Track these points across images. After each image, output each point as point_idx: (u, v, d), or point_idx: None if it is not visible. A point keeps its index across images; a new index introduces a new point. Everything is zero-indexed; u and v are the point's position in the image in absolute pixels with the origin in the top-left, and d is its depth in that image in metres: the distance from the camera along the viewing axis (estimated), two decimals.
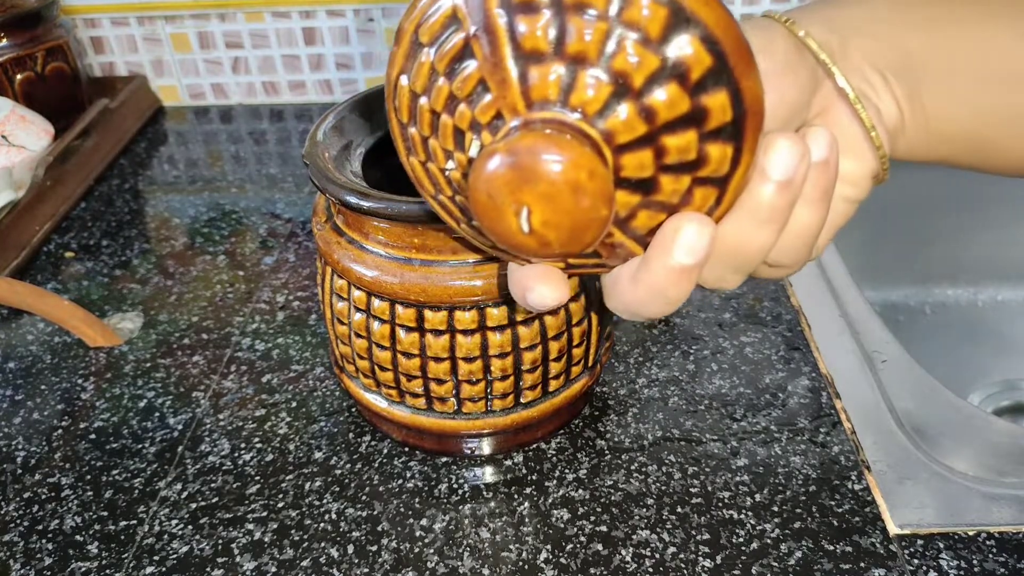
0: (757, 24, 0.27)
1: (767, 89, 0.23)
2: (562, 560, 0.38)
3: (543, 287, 0.27)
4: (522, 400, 0.40)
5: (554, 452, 0.44)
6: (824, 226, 0.27)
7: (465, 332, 0.37)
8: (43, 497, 0.42)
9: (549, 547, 0.39)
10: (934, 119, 0.29)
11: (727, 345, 0.51)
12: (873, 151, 0.28)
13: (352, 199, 0.34)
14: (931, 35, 0.28)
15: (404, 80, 0.24)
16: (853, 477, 0.42)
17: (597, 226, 0.23)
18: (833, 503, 0.40)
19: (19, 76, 0.70)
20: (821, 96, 0.28)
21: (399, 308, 0.37)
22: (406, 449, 0.44)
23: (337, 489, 0.42)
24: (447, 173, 0.25)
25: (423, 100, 0.24)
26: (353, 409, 0.47)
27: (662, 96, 0.21)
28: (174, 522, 0.41)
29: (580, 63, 0.21)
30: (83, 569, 0.39)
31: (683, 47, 0.21)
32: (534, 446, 0.44)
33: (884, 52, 0.28)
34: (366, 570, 0.38)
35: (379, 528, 0.40)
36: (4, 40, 0.69)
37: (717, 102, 0.22)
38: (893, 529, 0.39)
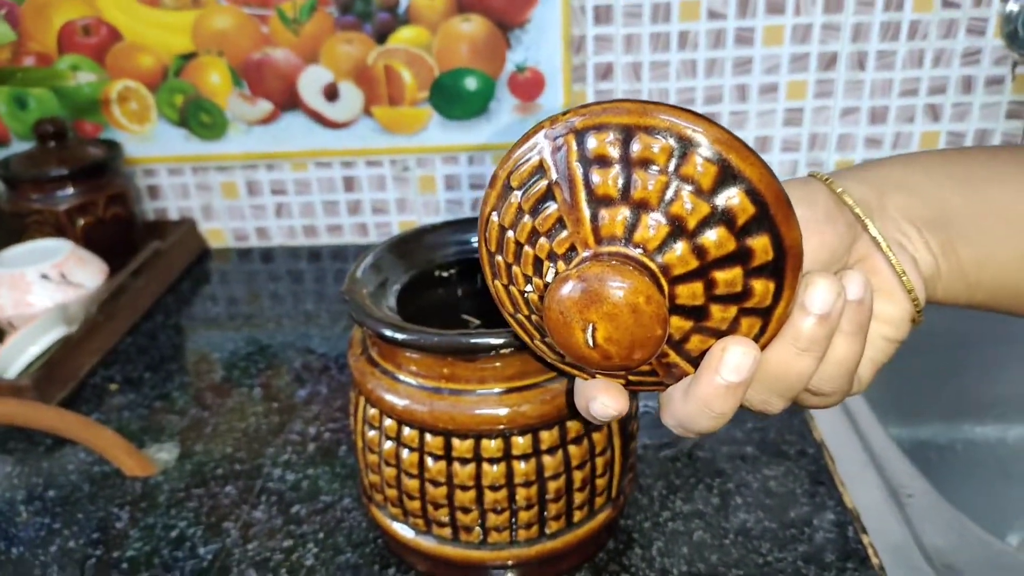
0: (801, 181, 0.31)
1: (808, 235, 0.27)
2: None
3: (605, 397, 0.30)
4: (547, 530, 0.41)
5: None
6: (864, 360, 0.29)
7: (491, 460, 0.38)
8: None
9: None
10: (970, 268, 0.31)
11: (751, 479, 0.51)
12: (906, 295, 0.31)
13: (387, 332, 0.36)
14: (965, 192, 0.31)
15: (495, 216, 0.29)
16: None
17: (652, 344, 0.26)
18: None
19: (81, 220, 0.75)
20: (861, 245, 0.31)
21: (428, 436, 0.38)
22: None
23: None
24: (526, 295, 0.29)
25: (510, 233, 0.28)
26: (379, 540, 0.47)
27: (712, 237, 0.25)
28: None
29: (643, 208, 0.25)
30: None
31: (731, 198, 0.25)
32: None
33: (919, 207, 0.31)
34: None
35: None
36: (71, 188, 0.75)
37: (760, 244, 0.25)
38: None
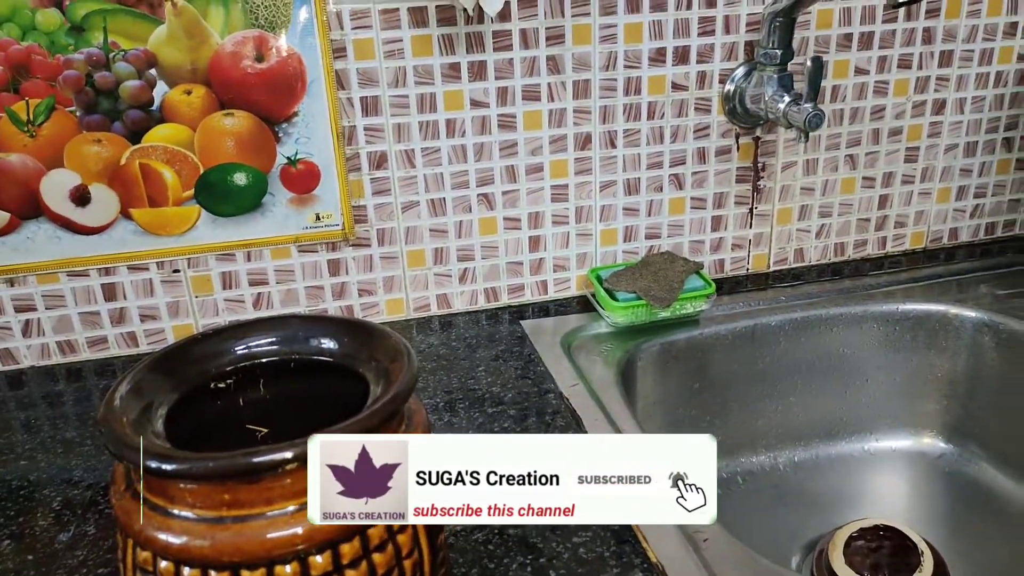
0: None
1: None
2: None
3: None
4: None
5: None
6: None
7: None
8: None
9: None
10: None
11: (561, 549, 0.51)
12: None
13: (152, 463, 0.32)
14: None
15: None
16: None
17: None
18: None
19: None
20: None
21: (212, 574, 0.35)
22: None
23: None
24: None
25: None
26: None
27: None
28: None
29: None
30: None
31: None
32: None
33: None
34: None
35: None
36: None
37: None
38: None
